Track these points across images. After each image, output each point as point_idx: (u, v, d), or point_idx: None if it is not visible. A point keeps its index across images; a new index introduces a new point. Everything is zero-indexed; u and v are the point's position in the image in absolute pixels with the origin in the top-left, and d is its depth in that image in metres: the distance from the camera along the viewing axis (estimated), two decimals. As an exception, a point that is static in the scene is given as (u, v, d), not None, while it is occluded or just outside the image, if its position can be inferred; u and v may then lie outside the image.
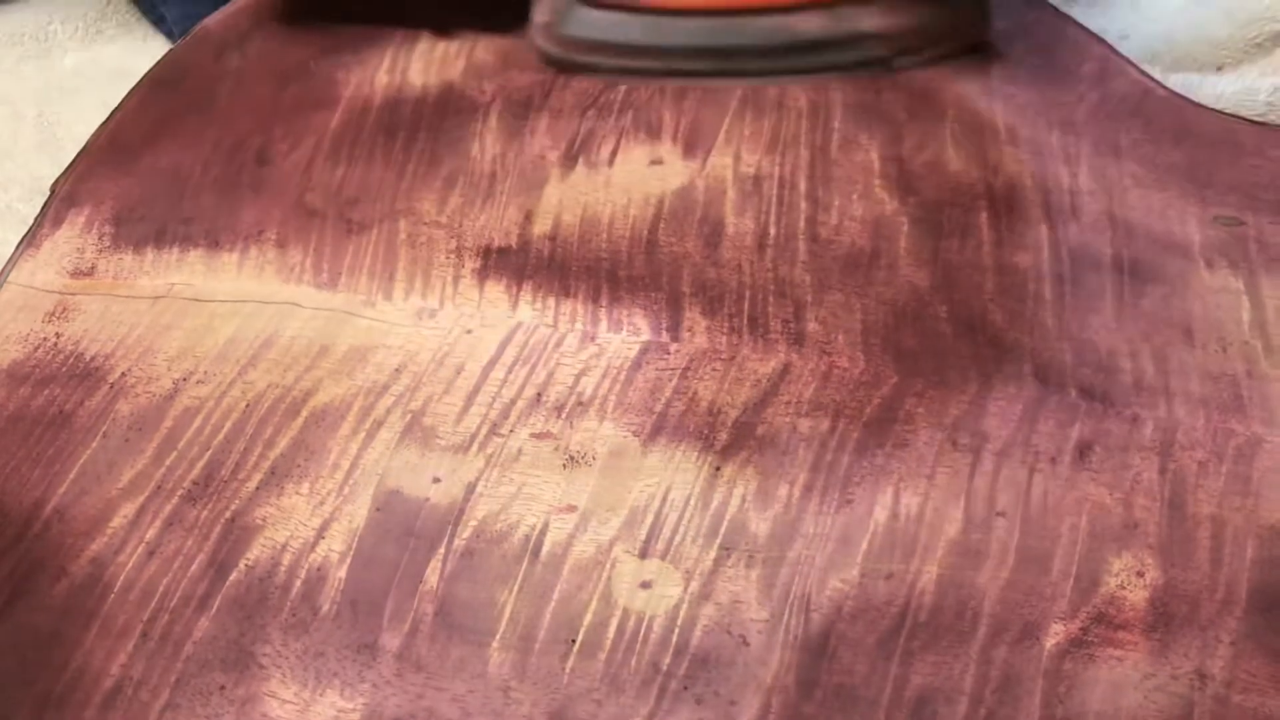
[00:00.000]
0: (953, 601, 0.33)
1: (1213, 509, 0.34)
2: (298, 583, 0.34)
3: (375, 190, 0.45)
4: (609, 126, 0.46)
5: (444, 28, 0.49)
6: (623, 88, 0.47)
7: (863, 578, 0.33)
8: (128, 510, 0.36)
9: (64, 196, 0.45)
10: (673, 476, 0.35)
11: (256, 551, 0.35)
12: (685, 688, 0.32)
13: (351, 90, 0.49)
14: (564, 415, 0.37)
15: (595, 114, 0.46)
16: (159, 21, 0.60)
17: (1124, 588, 0.33)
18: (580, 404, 0.37)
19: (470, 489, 0.36)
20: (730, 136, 0.45)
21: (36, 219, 0.45)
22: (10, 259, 0.44)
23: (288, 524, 0.35)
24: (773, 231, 0.42)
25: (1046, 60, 0.47)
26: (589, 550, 0.34)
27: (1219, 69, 0.49)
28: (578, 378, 0.38)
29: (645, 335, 0.39)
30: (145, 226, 0.44)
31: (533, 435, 0.37)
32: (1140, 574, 0.33)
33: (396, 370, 0.39)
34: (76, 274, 0.43)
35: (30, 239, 0.44)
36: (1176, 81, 0.47)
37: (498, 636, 0.33)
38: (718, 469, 0.36)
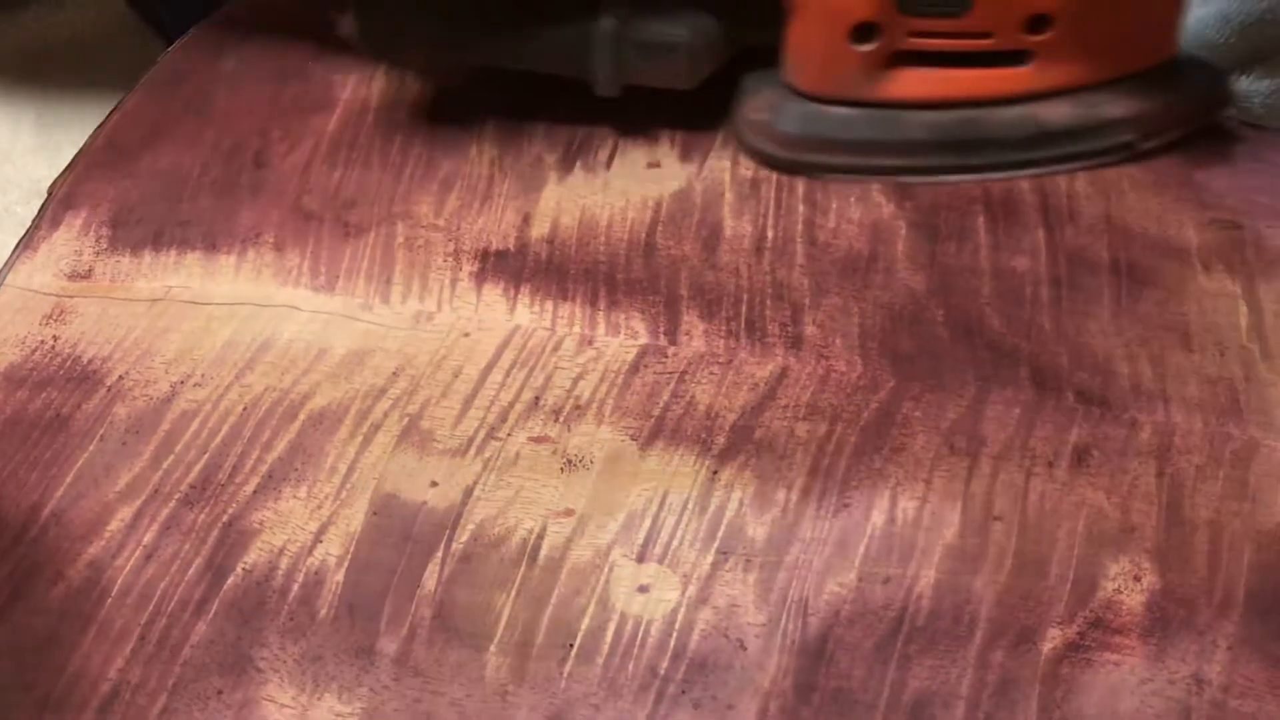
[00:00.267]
0: (950, 605, 0.33)
1: (1210, 513, 0.34)
2: (295, 587, 0.34)
3: (373, 193, 0.45)
4: (606, 129, 0.46)
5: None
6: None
7: (860, 582, 0.33)
8: (125, 514, 0.36)
9: (61, 199, 0.45)
10: (670, 480, 0.35)
11: (254, 555, 0.35)
12: (683, 692, 0.32)
13: (349, 93, 0.49)
14: (562, 419, 0.37)
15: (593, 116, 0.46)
16: (157, 24, 0.60)
17: (1121, 592, 0.33)
18: (578, 407, 0.37)
19: (468, 493, 0.36)
20: (727, 139, 0.45)
21: (34, 221, 0.45)
22: (7, 261, 0.43)
23: (285, 528, 0.35)
24: (770, 235, 0.42)
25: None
26: (586, 554, 0.34)
27: (1217, 72, 0.49)
28: (575, 381, 0.38)
29: (643, 338, 0.39)
30: (143, 229, 0.44)
31: (530, 439, 0.37)
32: (1137, 578, 0.33)
33: (394, 373, 0.39)
34: (74, 276, 0.43)
35: (27, 241, 0.44)
36: (1174, 84, 0.47)
37: (495, 641, 0.33)
38: (715, 473, 0.36)
